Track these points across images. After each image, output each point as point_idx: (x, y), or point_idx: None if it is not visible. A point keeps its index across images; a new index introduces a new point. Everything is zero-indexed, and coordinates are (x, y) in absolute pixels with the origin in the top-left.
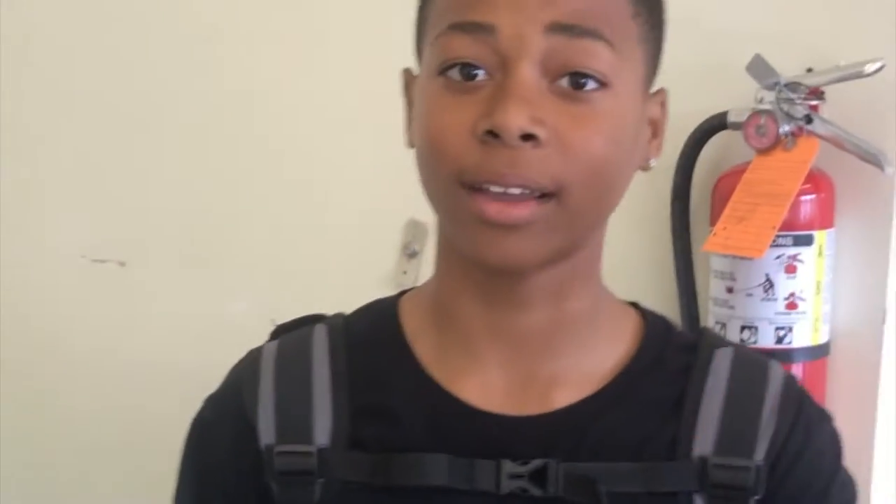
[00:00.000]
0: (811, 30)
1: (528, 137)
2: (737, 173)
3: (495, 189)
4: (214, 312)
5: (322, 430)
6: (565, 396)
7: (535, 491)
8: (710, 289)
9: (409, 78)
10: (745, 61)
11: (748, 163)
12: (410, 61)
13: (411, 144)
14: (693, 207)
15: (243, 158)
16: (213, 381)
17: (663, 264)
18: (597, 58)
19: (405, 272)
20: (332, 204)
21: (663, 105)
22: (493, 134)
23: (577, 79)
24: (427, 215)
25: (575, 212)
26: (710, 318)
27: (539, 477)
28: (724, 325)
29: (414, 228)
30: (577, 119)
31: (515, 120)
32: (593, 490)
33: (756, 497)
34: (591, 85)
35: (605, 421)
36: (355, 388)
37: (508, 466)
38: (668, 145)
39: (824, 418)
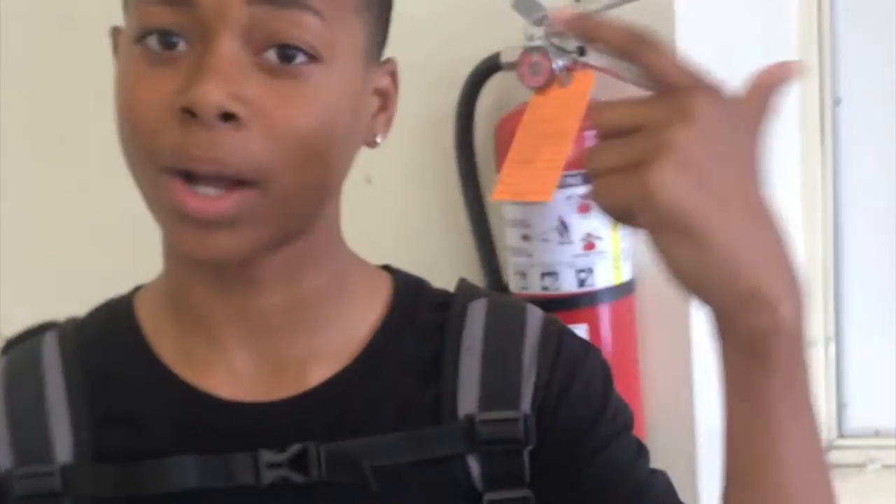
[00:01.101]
0: None
1: (228, 117)
2: (517, 116)
3: (197, 185)
4: None
5: (63, 446)
6: (320, 373)
7: (297, 478)
8: (507, 238)
9: (119, 38)
10: None
11: (527, 104)
12: None
13: None
14: (480, 156)
15: (12, 160)
16: None
17: (457, 219)
18: (304, 29)
19: None
20: (106, 203)
21: (393, 75)
22: (190, 112)
23: (285, 51)
24: None
25: (284, 199)
26: (509, 268)
27: (300, 463)
28: (524, 275)
29: None
30: (285, 96)
31: (212, 96)
32: (357, 468)
33: (529, 447)
34: (300, 58)
35: (362, 392)
36: (94, 396)
37: (266, 456)
38: (445, 94)
39: (588, 351)
